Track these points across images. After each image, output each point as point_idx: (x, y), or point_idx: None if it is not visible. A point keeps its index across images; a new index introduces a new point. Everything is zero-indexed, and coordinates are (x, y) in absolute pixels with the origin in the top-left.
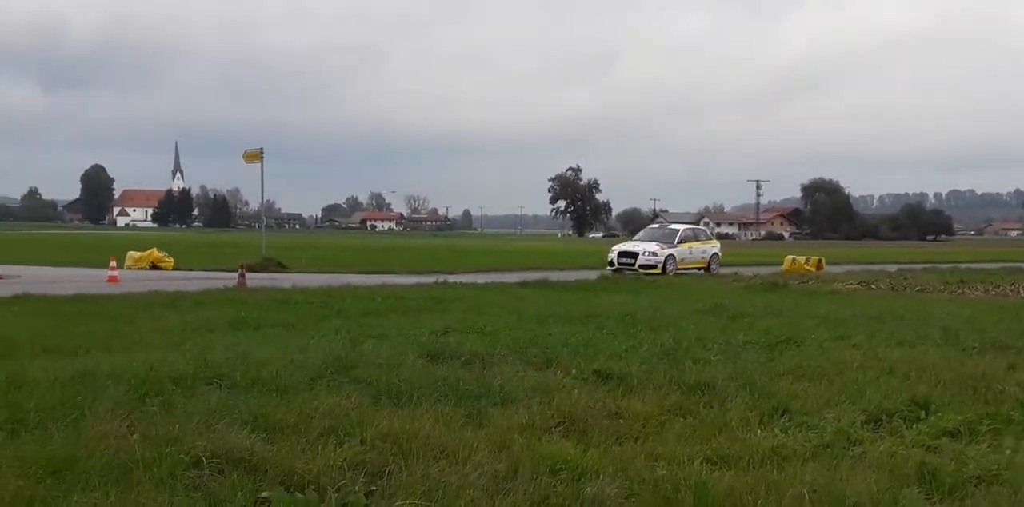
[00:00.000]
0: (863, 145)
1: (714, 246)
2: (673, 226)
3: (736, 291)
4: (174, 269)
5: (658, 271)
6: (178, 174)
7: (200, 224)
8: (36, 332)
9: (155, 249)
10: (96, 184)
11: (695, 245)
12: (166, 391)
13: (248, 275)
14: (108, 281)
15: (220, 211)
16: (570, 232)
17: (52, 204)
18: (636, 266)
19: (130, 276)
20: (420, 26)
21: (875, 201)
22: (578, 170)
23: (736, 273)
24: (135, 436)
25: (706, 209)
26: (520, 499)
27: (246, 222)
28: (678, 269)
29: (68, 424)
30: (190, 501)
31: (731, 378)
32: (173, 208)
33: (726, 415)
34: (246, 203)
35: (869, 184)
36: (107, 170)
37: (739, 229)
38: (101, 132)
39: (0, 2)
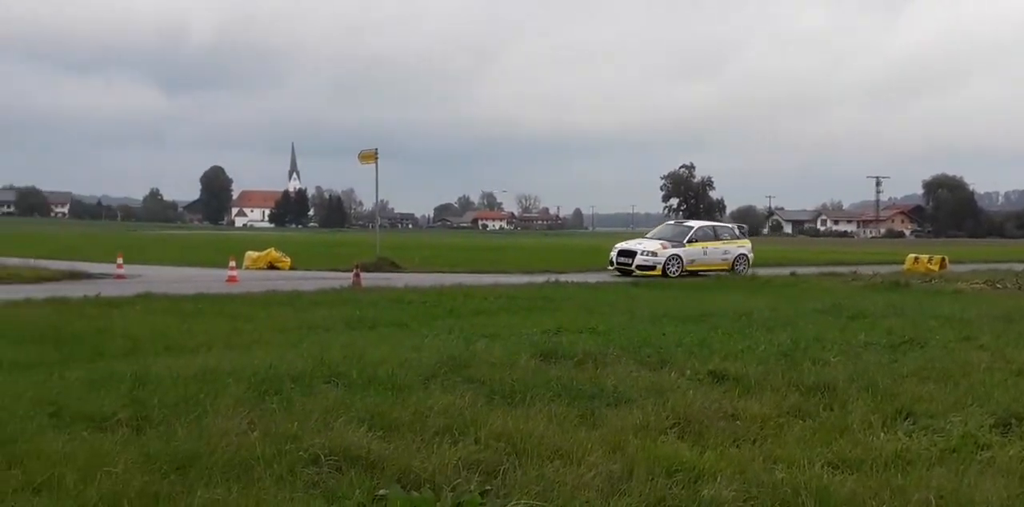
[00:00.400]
0: (987, 140)
1: (741, 246)
2: (688, 223)
3: (855, 290)
4: (291, 269)
5: (657, 273)
6: (294, 175)
7: (315, 224)
8: (159, 331)
9: (273, 249)
10: (215, 185)
11: (712, 245)
12: (285, 389)
13: (362, 275)
14: (227, 281)
15: (335, 211)
16: None
17: (173, 205)
18: (633, 266)
19: (249, 276)
20: (534, 26)
21: (1000, 198)
22: (691, 168)
23: (855, 272)
24: (255, 433)
25: (823, 206)
26: (635, 500)
27: (360, 222)
28: (693, 271)
29: (191, 421)
30: (309, 498)
31: (852, 379)
32: (289, 208)
33: (847, 417)
34: (360, 203)
35: (994, 180)
36: (226, 171)
37: (858, 227)
38: (221, 134)
39: (125, 8)
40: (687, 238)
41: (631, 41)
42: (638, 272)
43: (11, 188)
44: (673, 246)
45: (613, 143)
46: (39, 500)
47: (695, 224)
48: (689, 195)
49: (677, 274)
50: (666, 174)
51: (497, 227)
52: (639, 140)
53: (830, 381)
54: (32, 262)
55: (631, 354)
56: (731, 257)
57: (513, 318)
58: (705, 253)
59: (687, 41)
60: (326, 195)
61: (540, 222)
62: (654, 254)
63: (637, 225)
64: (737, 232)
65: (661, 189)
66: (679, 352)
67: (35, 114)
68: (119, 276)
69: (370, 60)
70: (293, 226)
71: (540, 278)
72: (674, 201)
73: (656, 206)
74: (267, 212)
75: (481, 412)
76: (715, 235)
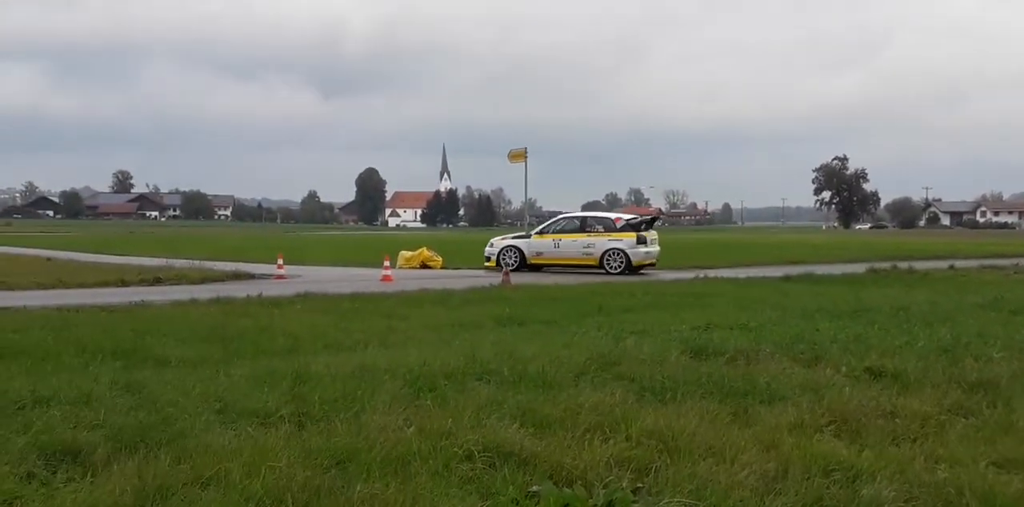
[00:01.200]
0: None
1: (615, 240)
2: (564, 215)
3: (1017, 283)
4: (442, 268)
5: (492, 264)
6: (445, 175)
7: (465, 223)
8: (318, 329)
9: (425, 248)
10: (369, 186)
11: (571, 237)
12: (439, 386)
13: (512, 273)
14: (382, 280)
15: (484, 210)
16: (835, 224)
17: (329, 206)
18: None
19: (402, 275)
20: (681, 19)
21: None
22: (844, 159)
23: (1017, 264)
24: (411, 429)
25: (983, 197)
26: (791, 500)
27: (509, 221)
28: (541, 265)
29: (350, 417)
30: (464, 493)
31: (1016, 376)
32: (440, 208)
33: (1012, 415)
34: (509, 202)
35: None
36: (379, 173)
37: (1020, 218)
38: (374, 136)
39: (284, 14)
40: (537, 229)
41: (779, 32)
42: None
43: (177, 192)
44: (515, 238)
45: (762, 136)
46: (207, 493)
47: (566, 215)
48: (842, 188)
49: (514, 267)
50: (818, 166)
51: None
52: (789, 132)
53: (993, 378)
54: (198, 263)
55: (784, 350)
56: (597, 252)
57: (662, 315)
58: (556, 246)
59: (836, 30)
60: (475, 194)
61: (688, 218)
62: (491, 245)
63: (788, 219)
64: (619, 225)
65: (813, 182)
66: (834, 348)
67: (200, 120)
68: (279, 276)
69: (519, 59)
70: (444, 225)
71: (688, 274)
72: (826, 194)
73: (808, 199)
74: (419, 212)
75: (631, 409)
76: (581, 227)
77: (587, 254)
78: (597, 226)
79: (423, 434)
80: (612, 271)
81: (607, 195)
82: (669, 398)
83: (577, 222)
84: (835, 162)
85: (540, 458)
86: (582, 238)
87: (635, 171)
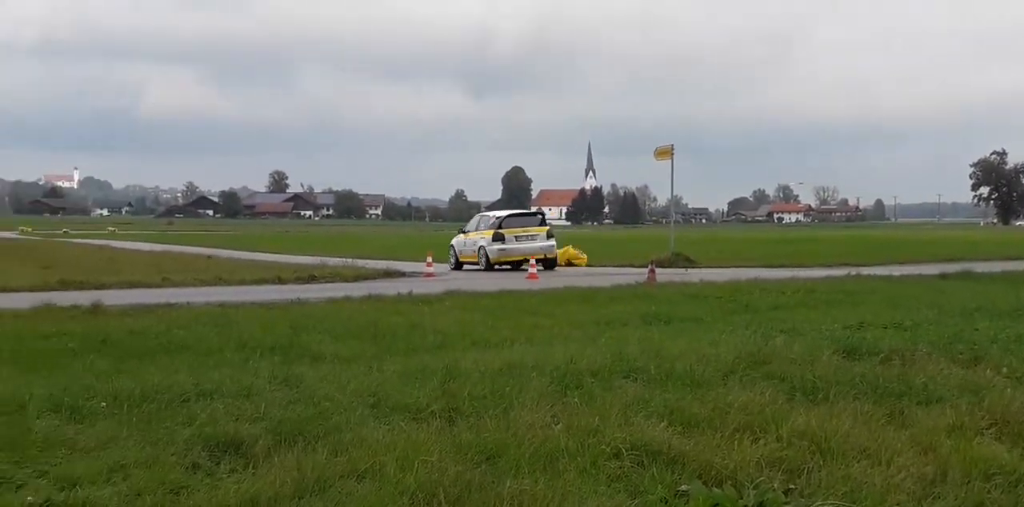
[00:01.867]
0: None
1: (482, 238)
2: (485, 214)
3: None
4: (587, 265)
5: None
6: (590, 173)
7: (610, 221)
8: (466, 326)
9: (570, 246)
10: (515, 185)
11: (471, 236)
12: (585, 383)
13: (657, 270)
14: (527, 278)
15: (629, 208)
16: (994, 220)
17: (476, 205)
18: None
19: (547, 273)
20: (832, 12)
21: None
22: (1003, 154)
23: None
24: (559, 426)
25: None
26: (950, 504)
27: (654, 218)
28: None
29: (499, 413)
30: (612, 491)
31: None
32: (585, 206)
33: None
34: (654, 199)
35: None
36: (525, 171)
37: None
38: (523, 135)
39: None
40: (465, 228)
41: (932, 23)
42: None
43: (330, 191)
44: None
45: (916, 130)
46: (363, 486)
47: (484, 214)
48: (1001, 183)
49: (454, 266)
50: (975, 162)
51: (793, 220)
52: (944, 126)
53: None
54: (351, 261)
55: (941, 351)
56: (476, 249)
57: (812, 313)
58: (465, 245)
59: (993, 22)
60: (621, 192)
61: (839, 214)
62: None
63: (944, 215)
64: (490, 222)
65: (970, 177)
66: (994, 348)
67: (354, 121)
68: (428, 274)
69: (667, 55)
70: (589, 223)
71: (839, 272)
72: (984, 190)
73: (964, 195)
74: (564, 210)
75: (782, 409)
76: (475, 226)
77: (474, 252)
78: (482, 225)
79: (570, 431)
80: (481, 268)
81: (754, 192)
82: (821, 398)
83: (483, 221)
84: (993, 157)
85: (688, 457)
86: (472, 237)
87: (784, 167)
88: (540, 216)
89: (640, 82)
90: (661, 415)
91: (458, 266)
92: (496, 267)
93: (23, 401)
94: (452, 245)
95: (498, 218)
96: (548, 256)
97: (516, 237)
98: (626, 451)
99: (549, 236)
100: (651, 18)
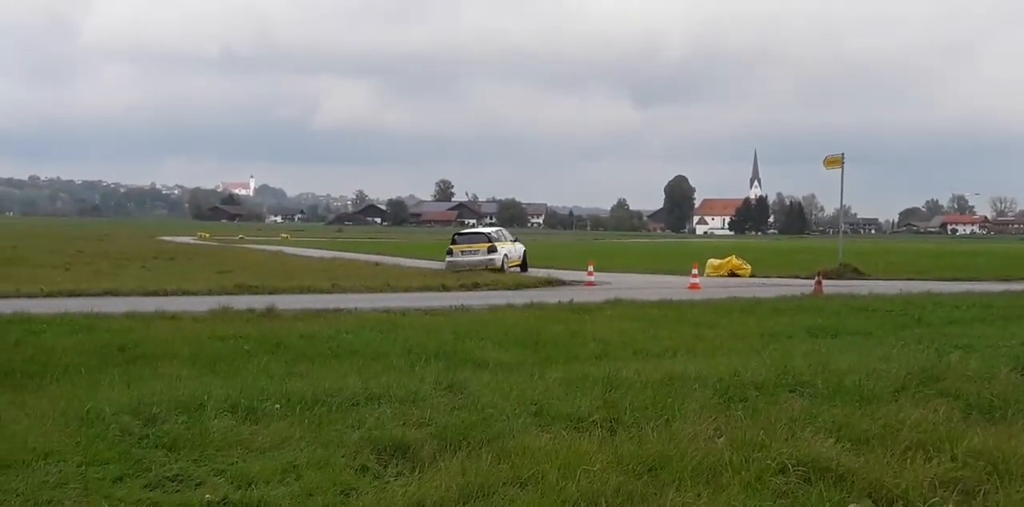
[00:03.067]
0: None
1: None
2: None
3: None
4: (751, 276)
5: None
6: (755, 182)
7: (775, 231)
8: (627, 335)
9: (734, 256)
10: (678, 194)
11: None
12: (750, 396)
13: (824, 282)
14: (690, 288)
15: (795, 218)
16: None
17: (638, 214)
18: None
19: (710, 283)
20: (1008, 19)
21: None
22: None
23: None
24: (722, 439)
25: None
26: None
27: (820, 228)
28: None
29: (660, 424)
30: None
31: None
32: (749, 215)
33: None
34: (821, 209)
35: None
36: (688, 180)
37: None
38: (686, 144)
39: (602, 26)
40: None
41: None
42: None
43: (494, 200)
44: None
45: None
46: (524, 493)
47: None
48: None
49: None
50: None
51: (968, 232)
52: None
53: None
54: (513, 270)
55: None
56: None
57: (989, 328)
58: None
59: None
60: (786, 201)
61: (1017, 226)
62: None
63: None
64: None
65: None
66: None
67: (518, 131)
68: (589, 283)
69: (837, 63)
70: (753, 233)
71: (1018, 286)
72: None
73: None
74: (727, 219)
75: (957, 428)
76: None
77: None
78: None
79: (734, 445)
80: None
81: (927, 202)
82: (999, 417)
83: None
84: None
85: (858, 475)
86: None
87: (959, 177)
88: (484, 235)
89: (809, 89)
90: (829, 431)
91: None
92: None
93: (202, 401)
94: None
95: (453, 235)
96: (490, 267)
97: (462, 252)
98: (792, 467)
99: (491, 251)
100: (823, 24)
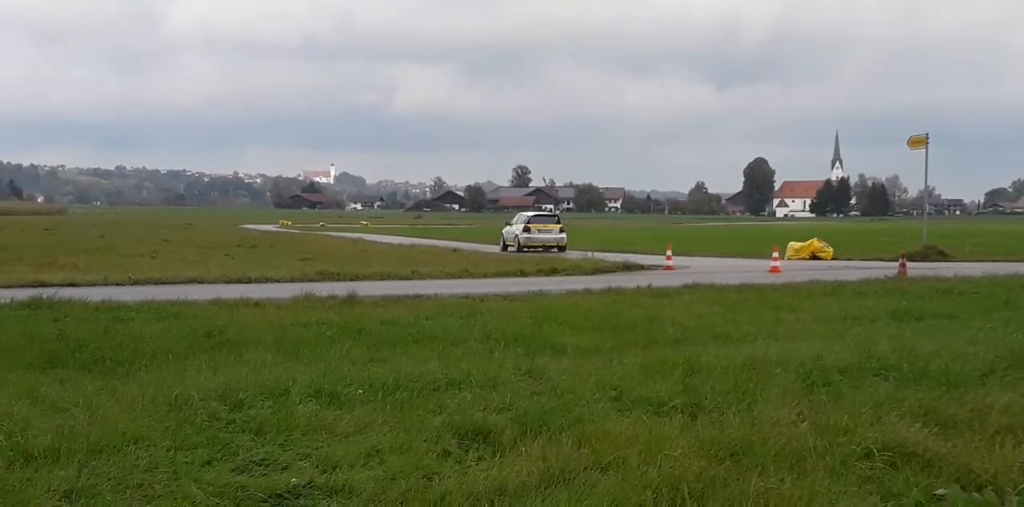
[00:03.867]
0: None
1: (519, 229)
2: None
3: None
4: (833, 259)
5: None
6: (837, 164)
7: (857, 213)
8: (706, 320)
9: (815, 239)
10: (758, 177)
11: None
12: (833, 381)
13: (908, 264)
14: (770, 271)
15: (877, 199)
16: None
17: (716, 197)
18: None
19: (791, 266)
20: None
21: None
22: None
23: None
24: (805, 424)
25: None
26: None
27: (904, 210)
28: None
29: (742, 409)
30: (863, 493)
31: None
32: (831, 198)
33: None
34: (904, 190)
35: None
36: (768, 162)
37: None
38: (766, 126)
39: (684, 7)
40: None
41: None
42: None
43: (571, 185)
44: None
45: None
46: (606, 478)
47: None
48: None
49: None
50: None
51: None
52: None
53: None
54: (590, 254)
55: None
56: (514, 237)
57: None
58: (508, 233)
59: None
60: (868, 183)
61: None
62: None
63: None
64: (523, 219)
65: None
66: None
67: (595, 115)
68: (668, 267)
69: (923, 42)
70: (834, 215)
71: None
72: None
73: None
74: (808, 202)
75: None
76: (516, 221)
77: (513, 239)
78: (518, 221)
79: (818, 430)
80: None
81: (1014, 182)
82: None
83: (519, 218)
84: None
85: (945, 460)
86: (514, 229)
87: None
88: (555, 217)
89: (892, 68)
90: (915, 415)
91: (504, 248)
92: (526, 250)
93: (287, 387)
94: (502, 233)
95: (527, 217)
96: (560, 244)
97: (539, 230)
98: (878, 451)
99: (561, 231)
100: (910, 2)
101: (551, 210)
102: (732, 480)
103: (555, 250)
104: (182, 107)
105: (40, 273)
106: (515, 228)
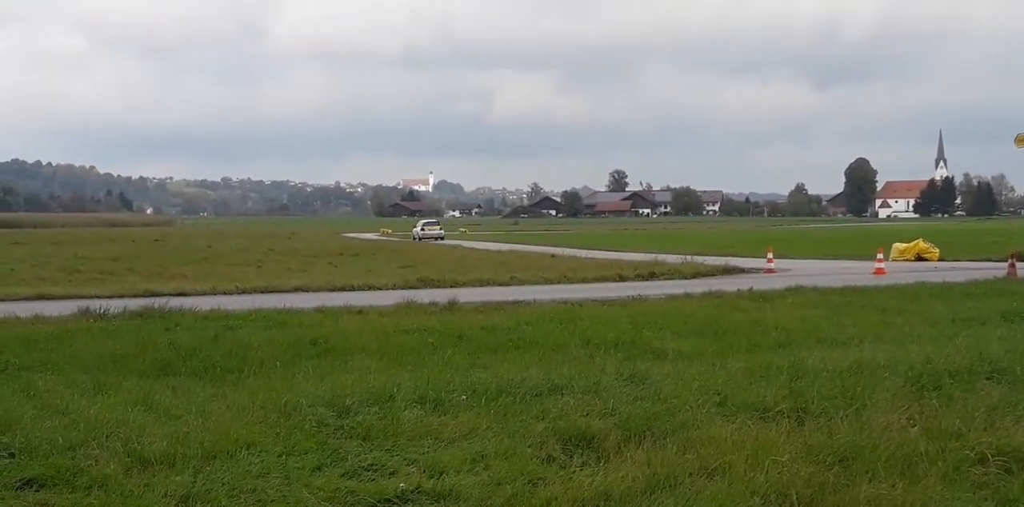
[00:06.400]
0: None
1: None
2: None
3: None
4: (939, 260)
5: None
6: (941, 163)
7: (962, 213)
8: (809, 323)
9: (920, 240)
10: (859, 177)
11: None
12: (944, 384)
13: (1017, 264)
14: (875, 273)
15: (983, 199)
16: None
17: (816, 199)
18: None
19: (896, 267)
20: None
21: None
22: None
23: None
24: (915, 429)
25: None
26: None
27: (1011, 209)
28: None
29: (850, 414)
30: (978, 499)
31: None
32: (935, 197)
33: None
34: (1011, 189)
35: None
36: (870, 162)
37: None
38: (868, 125)
39: (784, 7)
40: None
41: None
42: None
43: (668, 189)
44: None
45: None
46: (712, 484)
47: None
48: None
49: None
50: None
51: None
52: None
53: None
54: (689, 258)
55: None
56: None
57: None
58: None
59: None
60: (974, 182)
61: None
62: None
63: None
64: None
65: None
66: None
67: (693, 118)
68: (769, 270)
69: None
70: (939, 215)
71: None
72: None
73: None
74: (911, 202)
75: None
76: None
77: (415, 235)
78: (419, 225)
79: (929, 434)
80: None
81: None
82: None
83: (419, 223)
84: None
85: None
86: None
87: None
88: (437, 222)
89: (997, 64)
90: None
91: (414, 239)
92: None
93: (392, 393)
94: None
95: (422, 223)
96: (439, 236)
97: (425, 228)
98: (992, 457)
99: (440, 229)
100: None
101: (436, 219)
102: (842, 486)
103: (438, 240)
104: (285, 118)
105: (151, 283)
106: (416, 229)
